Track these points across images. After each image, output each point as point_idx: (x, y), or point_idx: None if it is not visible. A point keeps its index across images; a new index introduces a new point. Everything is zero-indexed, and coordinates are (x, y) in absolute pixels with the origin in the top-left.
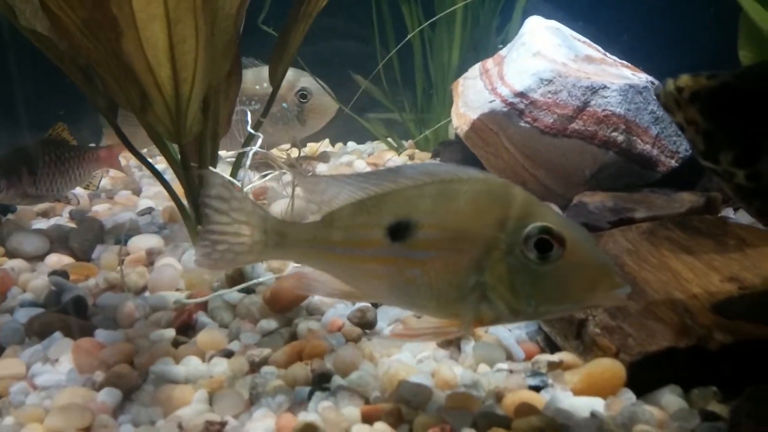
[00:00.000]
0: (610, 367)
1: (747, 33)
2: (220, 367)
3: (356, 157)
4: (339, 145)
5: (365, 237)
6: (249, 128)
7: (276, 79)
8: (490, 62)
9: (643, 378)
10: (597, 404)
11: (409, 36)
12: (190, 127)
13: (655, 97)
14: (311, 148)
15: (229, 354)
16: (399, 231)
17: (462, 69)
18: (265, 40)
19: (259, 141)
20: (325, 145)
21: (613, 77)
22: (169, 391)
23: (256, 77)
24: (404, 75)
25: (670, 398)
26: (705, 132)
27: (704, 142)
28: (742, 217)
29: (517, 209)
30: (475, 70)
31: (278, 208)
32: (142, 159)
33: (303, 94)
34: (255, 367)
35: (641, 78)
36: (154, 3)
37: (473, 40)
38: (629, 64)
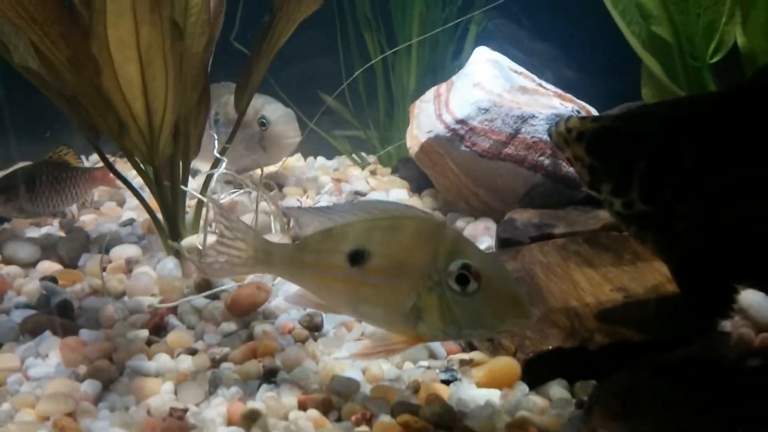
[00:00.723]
0: (507, 364)
1: (647, 76)
2: (186, 363)
3: (321, 174)
4: (310, 159)
5: (330, 260)
6: (215, 152)
7: (240, 107)
8: (443, 87)
9: (536, 373)
10: (494, 395)
11: (368, 64)
12: (163, 150)
13: (549, 136)
14: (285, 163)
15: (193, 352)
16: (356, 257)
17: (420, 91)
18: (239, 57)
19: (223, 164)
20: (296, 159)
21: (542, 107)
22: (141, 382)
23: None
24: (369, 96)
25: (557, 390)
26: (589, 166)
27: (588, 175)
28: None
29: (447, 246)
30: (430, 93)
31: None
32: (122, 179)
33: (261, 122)
34: (215, 363)
35: (567, 107)
36: (128, 47)
37: (432, 64)
38: (562, 93)
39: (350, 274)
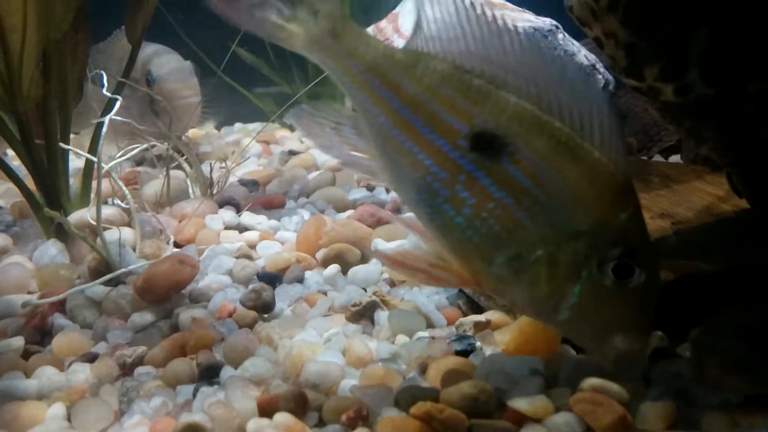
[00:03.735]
0: None
1: None
2: (82, 374)
3: (243, 136)
4: (225, 129)
5: (442, 119)
6: (105, 91)
7: (135, 36)
8: (383, 22)
9: None
10: (535, 364)
11: None
12: (28, 90)
13: (568, 10)
14: (193, 133)
15: (92, 358)
16: (486, 142)
17: None
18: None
19: (117, 105)
20: (208, 129)
21: (517, 21)
22: (15, 410)
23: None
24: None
25: None
26: (627, 45)
27: (626, 57)
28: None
29: (620, 220)
30: (368, 31)
31: (151, 190)
32: None
33: (148, 80)
34: (127, 369)
35: (545, 21)
36: None
37: (363, 3)
38: (530, 12)
39: (460, 158)
